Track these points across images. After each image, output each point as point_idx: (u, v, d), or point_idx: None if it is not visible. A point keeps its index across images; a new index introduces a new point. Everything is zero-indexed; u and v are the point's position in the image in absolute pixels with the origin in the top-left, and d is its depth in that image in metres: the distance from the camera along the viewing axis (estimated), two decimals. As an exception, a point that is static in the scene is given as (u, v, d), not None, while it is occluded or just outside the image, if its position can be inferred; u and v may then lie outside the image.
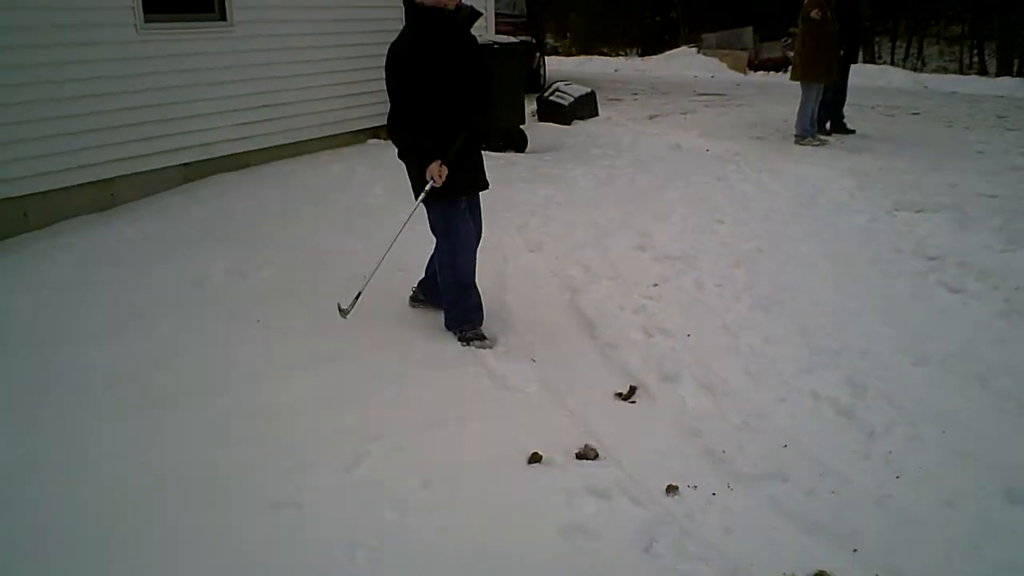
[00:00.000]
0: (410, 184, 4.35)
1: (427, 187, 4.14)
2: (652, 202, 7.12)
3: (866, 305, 4.85)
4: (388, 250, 4.41)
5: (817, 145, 10.18)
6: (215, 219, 6.36)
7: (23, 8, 6.12)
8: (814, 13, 9.65)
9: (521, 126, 9.47)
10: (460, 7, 4.15)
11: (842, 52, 10.38)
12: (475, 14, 4.27)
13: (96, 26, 6.65)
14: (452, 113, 4.13)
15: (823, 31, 9.75)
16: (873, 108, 13.47)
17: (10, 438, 3.50)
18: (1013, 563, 2.85)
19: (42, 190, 6.31)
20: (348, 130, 9.17)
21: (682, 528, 3.04)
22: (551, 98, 11.05)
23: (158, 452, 3.40)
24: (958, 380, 4.02)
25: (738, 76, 18.72)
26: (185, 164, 7.45)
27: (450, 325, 4.48)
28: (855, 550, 2.92)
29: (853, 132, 10.97)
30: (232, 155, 7.87)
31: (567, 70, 20.29)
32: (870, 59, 21.66)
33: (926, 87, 16.49)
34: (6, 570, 2.78)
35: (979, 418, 3.69)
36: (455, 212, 4.29)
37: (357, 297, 4.31)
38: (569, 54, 25.31)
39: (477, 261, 4.51)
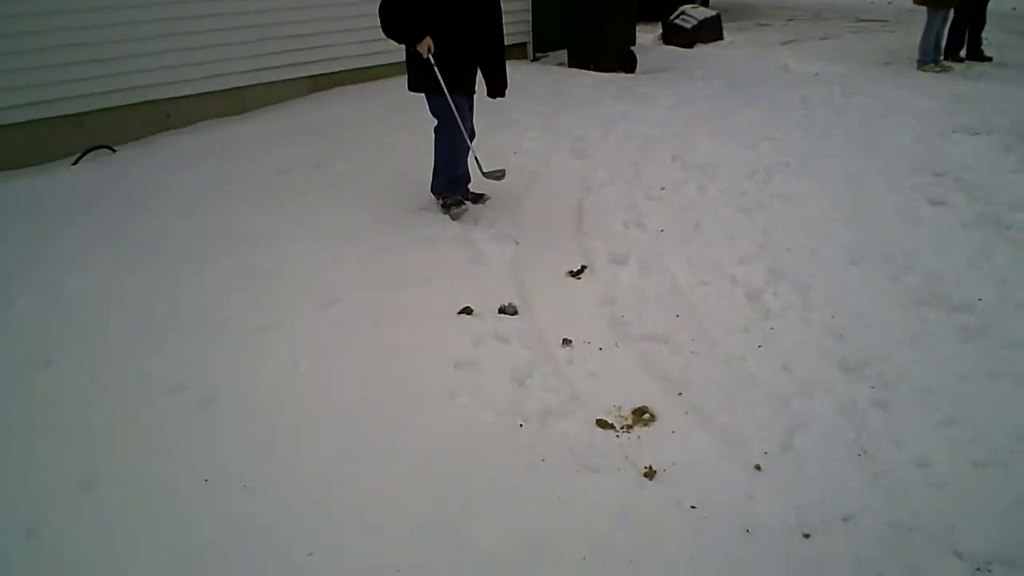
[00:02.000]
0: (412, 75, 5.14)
1: (427, 58, 4.90)
2: (718, 120, 7.52)
3: (845, 212, 5.21)
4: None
5: (939, 71, 10.01)
6: (319, 122, 7.40)
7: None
8: None
9: (631, 47, 9.93)
10: None
11: (977, -25, 10.07)
12: None
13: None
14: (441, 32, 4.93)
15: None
16: (1039, 36, 12.80)
17: (104, 268, 4.60)
18: (814, 414, 3.36)
19: (182, 95, 7.52)
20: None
21: (556, 369, 3.75)
22: (675, 21, 11.37)
23: (183, 290, 4.43)
24: (879, 278, 4.41)
25: (918, 1, 17.86)
26: (311, 76, 8.51)
27: (435, 189, 5.41)
28: (680, 394, 3.53)
29: (990, 59, 10.62)
30: (356, 69, 8.86)
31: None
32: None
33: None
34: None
35: (871, 308, 4.11)
36: (445, 105, 5.04)
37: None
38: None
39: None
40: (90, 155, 6.62)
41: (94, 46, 6.82)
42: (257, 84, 8.09)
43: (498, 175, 5.29)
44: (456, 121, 5.07)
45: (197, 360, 3.80)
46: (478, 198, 5.55)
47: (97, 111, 6.96)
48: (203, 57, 7.58)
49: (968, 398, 3.41)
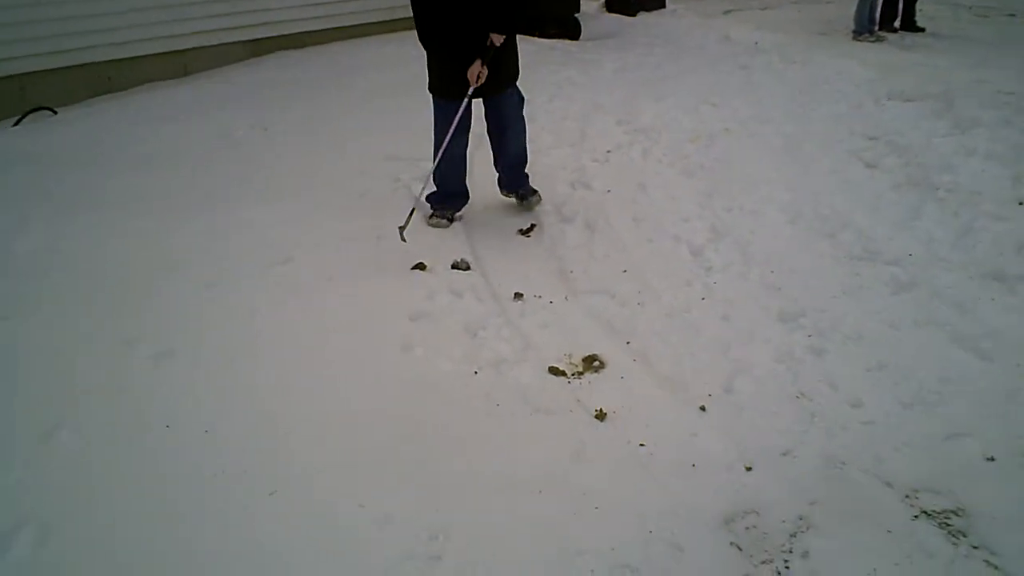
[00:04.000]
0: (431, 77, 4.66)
1: (470, 90, 4.43)
2: (662, 86, 7.65)
3: (783, 175, 5.39)
4: (436, 161, 4.66)
5: (874, 41, 10.26)
6: (261, 87, 7.38)
7: None
8: None
9: (576, 15, 10.02)
10: None
11: (912, -53, 10.34)
12: None
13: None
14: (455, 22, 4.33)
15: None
16: (970, 8, 13.18)
17: (53, 226, 4.59)
18: (753, 360, 3.53)
19: (122, 57, 7.43)
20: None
21: (508, 321, 3.87)
22: (619, -11, 11.46)
23: (131, 246, 4.44)
24: (814, 236, 4.59)
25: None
26: (252, 40, 8.46)
27: (428, 200, 4.92)
28: (628, 343, 3.68)
29: (922, 30, 10.92)
30: (295, 34, 8.82)
31: (683, -35, 20.20)
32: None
33: (1048, -11, 15.77)
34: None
35: (807, 264, 4.30)
36: (434, 104, 4.69)
37: (410, 215, 4.53)
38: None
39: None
40: (31, 116, 6.54)
41: (34, 7, 6.73)
42: (198, 47, 8.04)
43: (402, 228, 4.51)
44: (442, 128, 4.60)
45: (151, 314, 3.84)
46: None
47: (38, 72, 6.87)
48: (144, 19, 7.53)
49: (897, 345, 3.61)
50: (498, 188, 5.08)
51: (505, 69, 4.60)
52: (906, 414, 3.20)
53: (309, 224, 4.73)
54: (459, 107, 4.52)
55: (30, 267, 4.24)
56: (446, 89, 4.59)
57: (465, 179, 4.88)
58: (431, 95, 4.69)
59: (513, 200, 5.05)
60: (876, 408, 3.23)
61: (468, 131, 4.76)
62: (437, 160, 4.66)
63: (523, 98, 4.83)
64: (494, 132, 4.85)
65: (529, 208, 4.95)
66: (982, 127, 5.85)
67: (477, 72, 4.40)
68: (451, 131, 4.54)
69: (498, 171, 5.02)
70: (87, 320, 3.78)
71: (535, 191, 5.02)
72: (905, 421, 3.17)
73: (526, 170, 5.03)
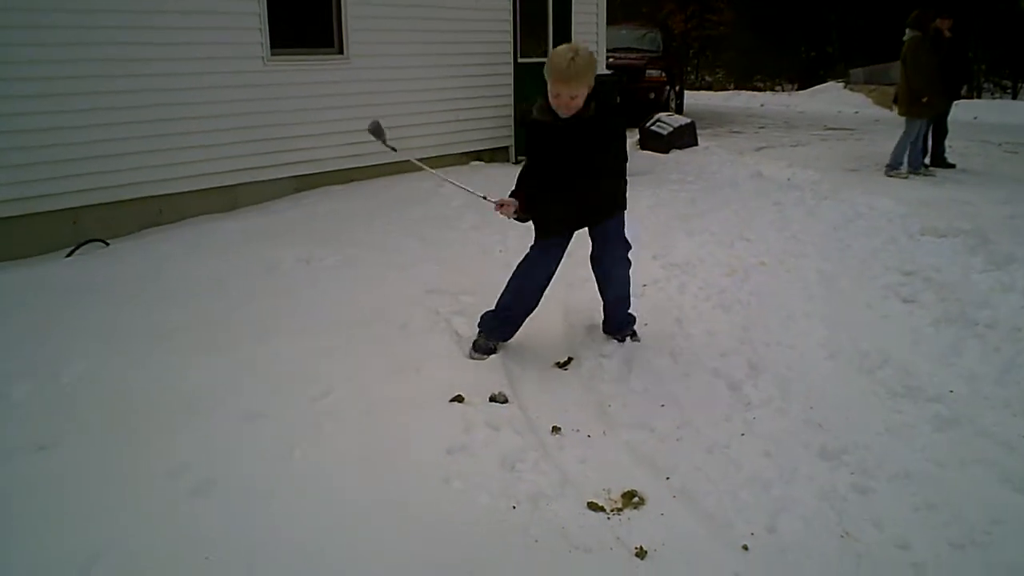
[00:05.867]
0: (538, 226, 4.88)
1: (493, 206, 4.70)
2: (696, 221, 7.80)
3: (819, 310, 5.41)
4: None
5: (905, 178, 10.44)
6: (305, 221, 7.60)
7: (170, 44, 7.58)
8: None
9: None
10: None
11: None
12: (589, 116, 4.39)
13: (229, 58, 8.07)
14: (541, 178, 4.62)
15: (925, 68, 10.09)
16: (1000, 145, 13.42)
17: (100, 356, 4.69)
18: (796, 498, 3.47)
19: (173, 192, 7.73)
20: (452, 152, 10.33)
21: (546, 455, 3.85)
22: (651, 128, 11.82)
23: (177, 378, 4.52)
24: (853, 371, 4.58)
25: (882, 111, 18.64)
26: (297, 176, 8.77)
27: (481, 323, 4.96)
28: (668, 478, 3.64)
29: (953, 166, 11.11)
30: (340, 171, 9.16)
31: (713, 104, 20.81)
32: (1034, 97, 21.00)
33: (1078, 126, 16.04)
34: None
35: (848, 400, 4.27)
36: (536, 244, 4.87)
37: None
38: (723, 88, 25.76)
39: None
40: (84, 248, 6.76)
41: (90, 144, 7.06)
42: (246, 183, 8.32)
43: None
44: (544, 264, 4.85)
45: (193, 447, 3.87)
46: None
47: (91, 206, 7.14)
48: (194, 156, 7.85)
49: (944, 484, 3.54)
50: (604, 331, 5.10)
51: (612, 198, 4.78)
52: (956, 556, 3.12)
53: (350, 356, 4.79)
54: (557, 243, 4.79)
55: (75, 396, 4.31)
56: (554, 229, 4.80)
57: (528, 314, 4.94)
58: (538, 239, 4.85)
59: (557, 333, 5.12)
60: (925, 550, 3.14)
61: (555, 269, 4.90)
62: (511, 284, 4.87)
63: (629, 246, 4.94)
64: (597, 263, 4.96)
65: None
66: (1017, 263, 5.89)
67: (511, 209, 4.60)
68: (542, 266, 4.83)
69: (605, 310, 5.06)
70: (129, 449, 3.82)
71: (635, 334, 5.06)
72: (956, 564, 3.08)
73: (630, 311, 5.06)
